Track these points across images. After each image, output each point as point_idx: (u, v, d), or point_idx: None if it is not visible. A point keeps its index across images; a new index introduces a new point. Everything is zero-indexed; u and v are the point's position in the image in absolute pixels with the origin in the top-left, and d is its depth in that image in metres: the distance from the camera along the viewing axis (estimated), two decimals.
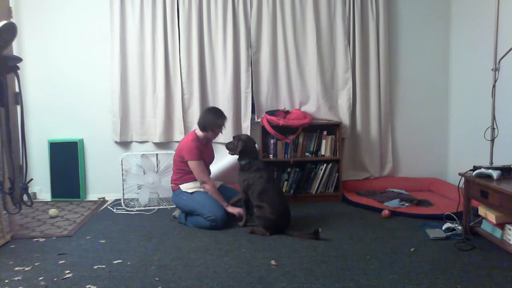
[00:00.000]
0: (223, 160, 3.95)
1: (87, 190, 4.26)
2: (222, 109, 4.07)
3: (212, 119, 3.38)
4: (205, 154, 3.46)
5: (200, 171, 3.34)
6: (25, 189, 2.90)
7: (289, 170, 4.02)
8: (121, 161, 3.85)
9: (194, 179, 3.41)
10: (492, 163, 3.38)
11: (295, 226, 3.22)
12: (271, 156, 4.01)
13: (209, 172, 3.57)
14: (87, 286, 2.28)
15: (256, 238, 3.02)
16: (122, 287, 2.28)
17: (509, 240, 2.64)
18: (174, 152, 3.94)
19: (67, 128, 4.20)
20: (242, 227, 3.24)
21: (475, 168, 2.89)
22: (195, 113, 4.14)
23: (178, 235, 3.11)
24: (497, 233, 2.76)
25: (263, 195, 3.13)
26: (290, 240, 2.96)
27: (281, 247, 2.83)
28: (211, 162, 3.60)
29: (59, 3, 4.10)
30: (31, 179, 3.14)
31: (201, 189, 3.39)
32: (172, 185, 3.50)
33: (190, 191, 3.38)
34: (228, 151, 3.42)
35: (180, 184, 3.43)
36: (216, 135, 3.48)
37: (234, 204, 3.42)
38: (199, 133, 3.45)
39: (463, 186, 2.95)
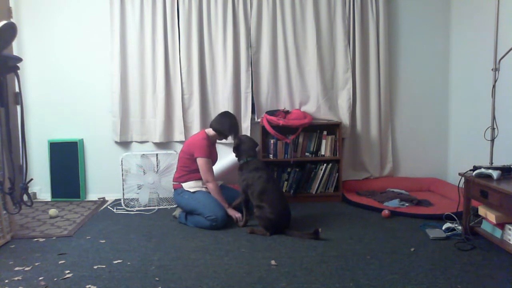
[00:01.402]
0: (223, 160, 3.95)
1: (87, 190, 4.26)
2: (222, 109, 4.12)
3: (234, 125, 3.49)
4: (212, 154, 3.50)
5: (207, 169, 3.35)
6: (25, 189, 2.90)
7: (289, 170, 4.02)
8: (121, 161, 3.85)
9: (196, 178, 3.42)
10: (492, 163, 3.38)
11: (295, 226, 3.22)
12: (271, 156, 4.00)
13: None
14: (87, 286, 2.28)
15: (256, 238, 3.02)
16: (122, 287, 2.28)
17: (509, 240, 2.64)
18: (174, 152, 3.97)
19: (67, 128, 4.20)
20: (242, 227, 3.25)
21: (475, 168, 2.89)
22: (195, 113, 4.14)
23: (178, 235, 3.11)
24: (497, 233, 2.75)
25: (263, 195, 3.13)
26: (290, 240, 2.96)
27: (281, 247, 2.84)
28: (215, 163, 3.61)
29: (59, 3, 4.10)
30: (31, 179, 3.14)
31: (203, 189, 3.40)
32: (174, 183, 3.51)
33: (192, 190, 3.38)
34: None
35: (183, 182, 3.43)
36: (227, 138, 3.59)
37: (236, 207, 3.42)
38: (211, 133, 3.50)
39: (463, 186, 2.95)
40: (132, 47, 4.08)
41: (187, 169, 3.43)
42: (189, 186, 3.41)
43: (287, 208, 3.18)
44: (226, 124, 3.47)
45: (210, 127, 3.54)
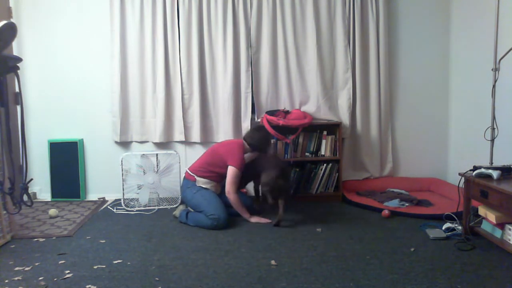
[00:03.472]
0: None
1: (87, 190, 4.26)
2: (222, 109, 4.15)
3: (269, 146, 3.62)
4: None
5: (234, 181, 3.33)
6: (25, 189, 2.91)
7: None
8: (121, 161, 3.84)
9: (212, 179, 3.43)
10: (492, 163, 3.38)
11: (295, 225, 3.25)
12: None
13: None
14: (87, 286, 2.28)
15: (256, 238, 3.02)
16: (122, 287, 2.28)
17: (509, 240, 2.64)
18: (174, 152, 3.97)
19: (67, 128, 4.20)
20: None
21: (475, 168, 2.89)
22: (195, 113, 4.14)
23: (178, 235, 3.11)
24: (497, 233, 2.76)
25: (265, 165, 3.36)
26: (290, 240, 2.96)
27: (281, 247, 2.84)
28: None
29: (59, 3, 4.10)
30: (31, 179, 3.14)
31: (213, 189, 3.41)
32: (189, 173, 3.49)
33: (204, 186, 3.40)
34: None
35: (199, 176, 3.42)
36: (260, 151, 3.62)
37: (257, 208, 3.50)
38: (246, 145, 3.53)
39: (463, 186, 2.95)
40: (132, 47, 4.08)
41: (209, 169, 3.43)
42: (203, 181, 3.41)
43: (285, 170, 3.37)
44: (258, 139, 3.52)
45: (244, 140, 3.55)
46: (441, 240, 2.91)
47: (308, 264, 2.55)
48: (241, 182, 3.52)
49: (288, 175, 3.45)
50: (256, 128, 3.69)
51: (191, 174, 3.47)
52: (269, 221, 3.33)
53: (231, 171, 3.34)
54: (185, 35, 4.06)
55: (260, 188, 3.45)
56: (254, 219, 3.36)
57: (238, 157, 3.38)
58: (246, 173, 3.50)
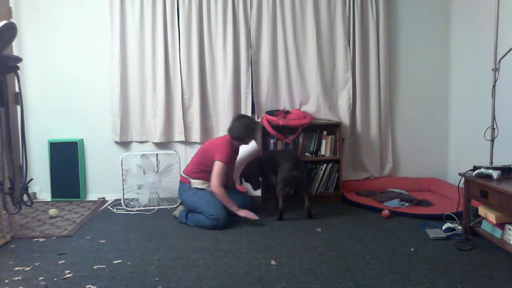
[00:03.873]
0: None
1: (87, 190, 4.26)
2: (222, 109, 4.14)
3: (253, 132, 3.54)
4: (233, 157, 3.55)
5: (220, 174, 3.31)
6: (25, 189, 2.90)
7: None
8: (121, 161, 3.84)
9: (206, 179, 3.41)
10: (492, 163, 3.38)
11: (295, 225, 3.24)
12: None
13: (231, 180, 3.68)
14: (87, 286, 2.28)
15: (256, 238, 3.02)
16: (122, 287, 2.28)
17: (509, 240, 2.64)
18: (174, 152, 3.97)
19: (67, 128, 4.20)
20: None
21: (475, 168, 2.89)
22: (195, 113, 4.14)
23: (178, 235, 3.11)
24: (497, 233, 2.75)
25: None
26: (290, 240, 2.96)
27: (281, 247, 2.84)
28: (234, 166, 3.66)
29: (59, 3, 4.10)
30: (31, 179, 3.14)
31: (209, 189, 3.40)
32: (184, 176, 3.49)
33: (199, 186, 3.39)
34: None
35: (193, 178, 3.42)
36: (246, 142, 3.58)
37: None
38: (234, 141, 3.50)
39: (463, 186, 2.95)
40: (132, 47, 4.08)
41: (201, 168, 3.42)
42: (197, 183, 3.41)
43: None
44: (240, 130, 3.44)
45: (228, 133, 3.51)
46: (441, 240, 2.91)
47: (308, 264, 2.55)
48: (256, 182, 3.64)
49: (301, 166, 3.53)
50: (236, 117, 3.61)
51: (185, 176, 3.47)
52: (257, 217, 3.28)
53: (216, 165, 3.32)
54: (185, 35, 4.06)
55: (277, 186, 3.44)
56: (243, 213, 3.31)
57: (224, 152, 3.36)
58: (254, 172, 3.51)
